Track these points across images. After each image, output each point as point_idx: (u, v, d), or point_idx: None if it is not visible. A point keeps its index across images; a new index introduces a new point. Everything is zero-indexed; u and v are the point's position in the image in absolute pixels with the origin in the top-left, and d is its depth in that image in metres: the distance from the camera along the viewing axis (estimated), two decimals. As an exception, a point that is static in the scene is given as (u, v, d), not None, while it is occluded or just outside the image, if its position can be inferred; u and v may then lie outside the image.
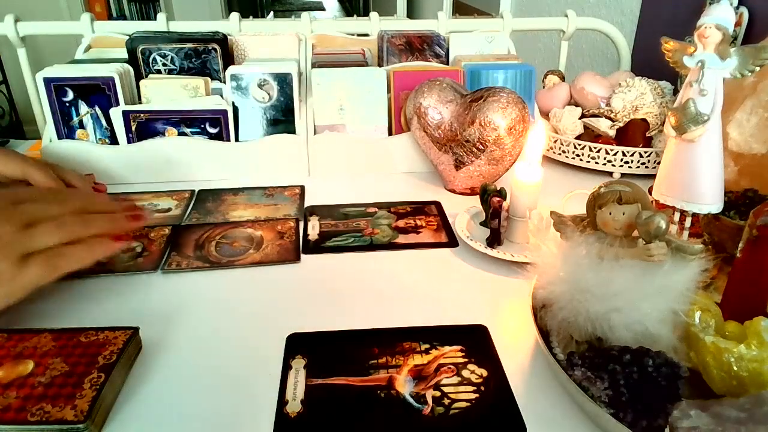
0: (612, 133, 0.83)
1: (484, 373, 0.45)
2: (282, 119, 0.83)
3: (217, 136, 0.81)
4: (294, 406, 0.42)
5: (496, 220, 0.61)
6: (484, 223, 0.67)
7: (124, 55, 0.84)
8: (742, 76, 0.52)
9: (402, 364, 0.46)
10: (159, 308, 0.54)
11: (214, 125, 0.81)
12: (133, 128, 0.79)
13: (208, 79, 0.83)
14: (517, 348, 0.48)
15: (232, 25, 0.97)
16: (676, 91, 0.86)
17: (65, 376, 0.42)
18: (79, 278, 0.58)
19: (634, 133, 0.82)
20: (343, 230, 0.68)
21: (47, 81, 0.77)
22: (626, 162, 0.81)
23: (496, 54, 0.93)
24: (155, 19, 0.96)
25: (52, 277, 0.48)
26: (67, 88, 0.78)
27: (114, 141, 0.80)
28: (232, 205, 0.74)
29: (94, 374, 0.42)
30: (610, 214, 0.44)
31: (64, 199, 0.52)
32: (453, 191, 0.79)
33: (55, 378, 0.41)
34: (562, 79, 0.97)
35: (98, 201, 0.55)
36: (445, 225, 0.70)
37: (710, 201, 0.54)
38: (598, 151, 0.82)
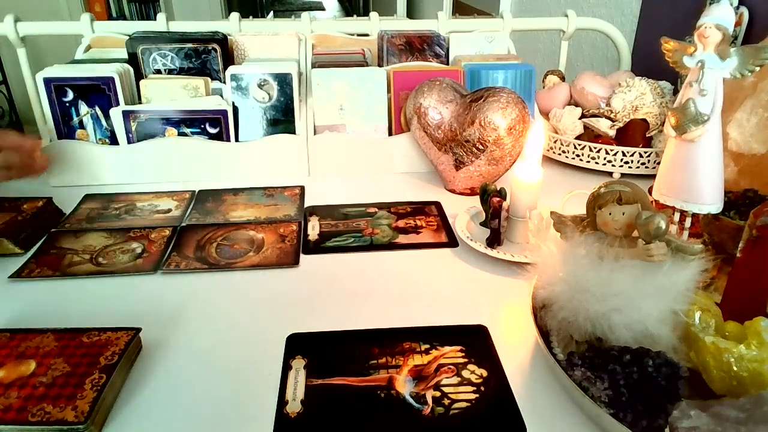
0: (612, 133, 0.83)
1: (484, 373, 0.45)
2: (282, 119, 0.83)
3: (217, 136, 0.81)
4: (294, 406, 0.42)
5: (496, 220, 0.61)
6: (484, 223, 0.67)
7: (124, 55, 0.84)
8: (742, 76, 0.52)
9: (402, 364, 0.46)
10: (159, 309, 0.54)
11: (214, 125, 0.81)
12: (133, 128, 0.79)
13: (208, 79, 0.83)
14: (517, 348, 0.48)
15: (232, 25, 0.97)
16: (676, 91, 0.86)
17: (67, 376, 0.42)
18: (78, 278, 0.58)
19: (634, 133, 0.82)
20: (343, 230, 0.68)
21: (47, 81, 0.77)
22: (626, 162, 0.81)
23: (496, 54, 0.93)
24: (155, 19, 0.96)
25: None
26: (67, 88, 0.78)
27: (114, 141, 0.80)
28: (232, 205, 0.74)
29: (95, 375, 0.42)
30: (610, 214, 0.44)
31: None
32: (453, 191, 0.79)
33: (56, 378, 0.41)
34: (562, 79, 0.97)
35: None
36: (445, 225, 0.70)
37: (710, 201, 0.54)
38: (598, 151, 0.82)
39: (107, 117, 0.79)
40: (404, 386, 0.44)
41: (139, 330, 0.47)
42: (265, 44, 0.89)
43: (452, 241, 0.66)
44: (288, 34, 0.90)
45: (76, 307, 0.54)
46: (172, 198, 0.76)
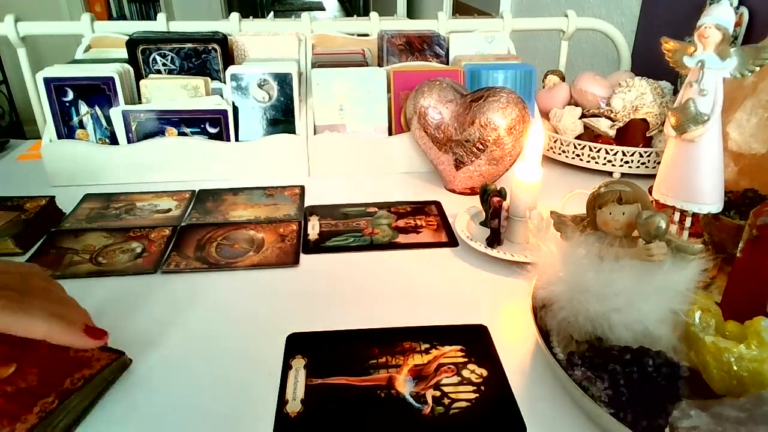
0: (612, 133, 0.83)
1: (484, 372, 0.45)
2: (282, 119, 0.83)
3: (217, 136, 0.81)
4: (294, 406, 0.42)
5: (496, 220, 0.61)
6: (484, 223, 0.67)
7: (124, 55, 0.84)
8: (742, 76, 0.52)
9: (402, 363, 0.46)
10: (159, 308, 0.54)
11: (214, 125, 0.81)
12: (133, 128, 0.79)
13: (208, 79, 0.83)
14: (517, 348, 0.48)
15: (232, 25, 0.97)
16: (676, 91, 0.86)
17: (28, 392, 0.39)
18: (78, 278, 0.58)
19: (634, 133, 0.82)
20: (343, 230, 0.68)
21: (47, 81, 0.77)
22: (626, 162, 0.81)
23: (496, 54, 0.93)
24: (155, 19, 0.96)
25: None
26: (67, 88, 0.78)
27: (114, 141, 0.80)
28: (232, 205, 0.74)
29: (50, 398, 0.39)
30: (610, 214, 0.44)
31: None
32: (453, 191, 0.79)
33: (18, 390, 0.39)
34: (562, 79, 0.97)
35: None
36: (445, 225, 0.70)
37: (710, 201, 0.54)
38: (598, 151, 0.82)
39: (107, 117, 0.79)
40: (404, 386, 0.44)
41: (121, 354, 0.45)
42: (265, 44, 0.89)
43: (452, 241, 0.66)
44: (288, 34, 0.90)
45: (76, 306, 0.54)
46: (172, 198, 0.76)
